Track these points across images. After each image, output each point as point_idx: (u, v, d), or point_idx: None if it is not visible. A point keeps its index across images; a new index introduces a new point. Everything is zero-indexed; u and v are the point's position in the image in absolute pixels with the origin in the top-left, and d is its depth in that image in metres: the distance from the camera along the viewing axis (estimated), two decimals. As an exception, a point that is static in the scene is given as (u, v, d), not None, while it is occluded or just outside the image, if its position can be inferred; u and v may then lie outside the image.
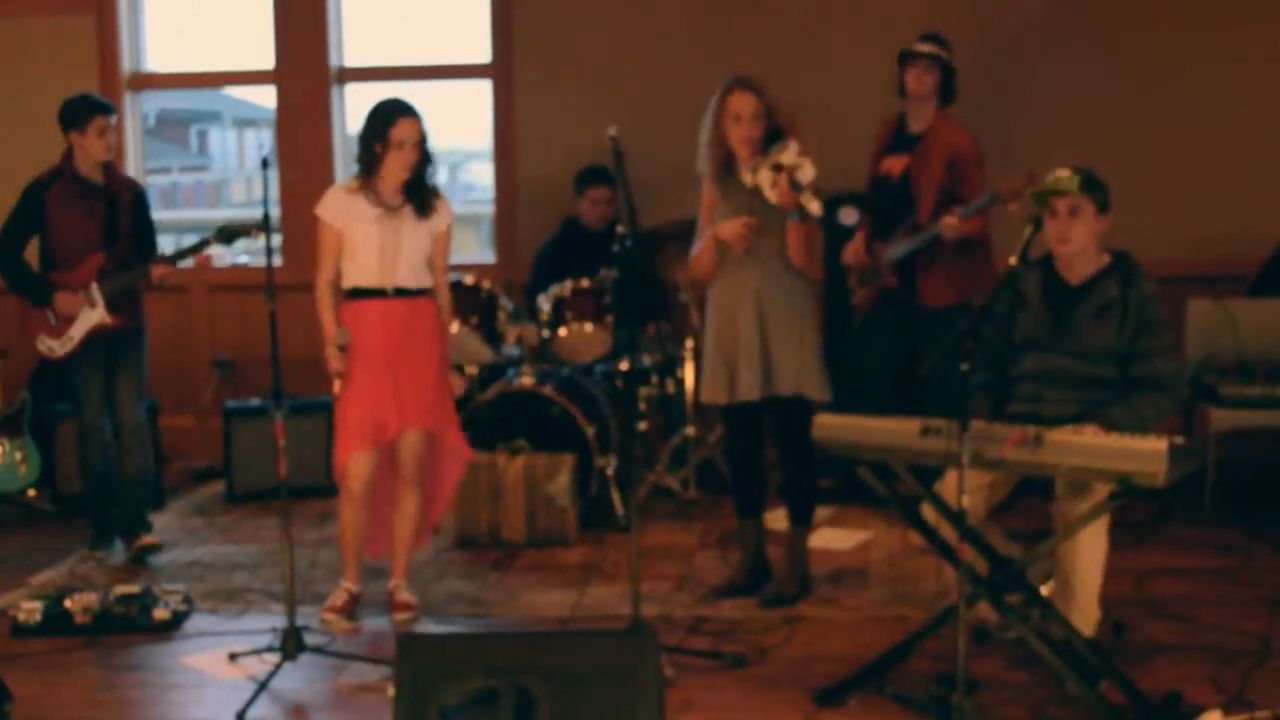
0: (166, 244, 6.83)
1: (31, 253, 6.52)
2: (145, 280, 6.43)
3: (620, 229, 6.13)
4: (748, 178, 5.59)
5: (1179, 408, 4.90)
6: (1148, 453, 4.24)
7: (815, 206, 5.48)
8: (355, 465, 5.64)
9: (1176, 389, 4.86)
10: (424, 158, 5.63)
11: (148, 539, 6.59)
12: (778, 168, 5.48)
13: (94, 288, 6.36)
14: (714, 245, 5.71)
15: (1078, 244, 4.90)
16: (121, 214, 6.48)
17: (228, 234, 6.30)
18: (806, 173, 5.46)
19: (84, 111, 6.40)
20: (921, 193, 6.50)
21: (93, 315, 6.37)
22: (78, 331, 6.38)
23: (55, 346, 6.40)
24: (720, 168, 5.71)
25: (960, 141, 6.46)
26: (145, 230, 6.62)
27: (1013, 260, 4.67)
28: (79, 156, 6.42)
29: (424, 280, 5.69)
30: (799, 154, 5.49)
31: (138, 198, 6.63)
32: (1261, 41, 7.72)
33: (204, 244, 6.41)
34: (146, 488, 6.84)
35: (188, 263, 6.73)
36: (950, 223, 6.19)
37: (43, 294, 6.37)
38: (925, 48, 6.50)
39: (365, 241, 5.58)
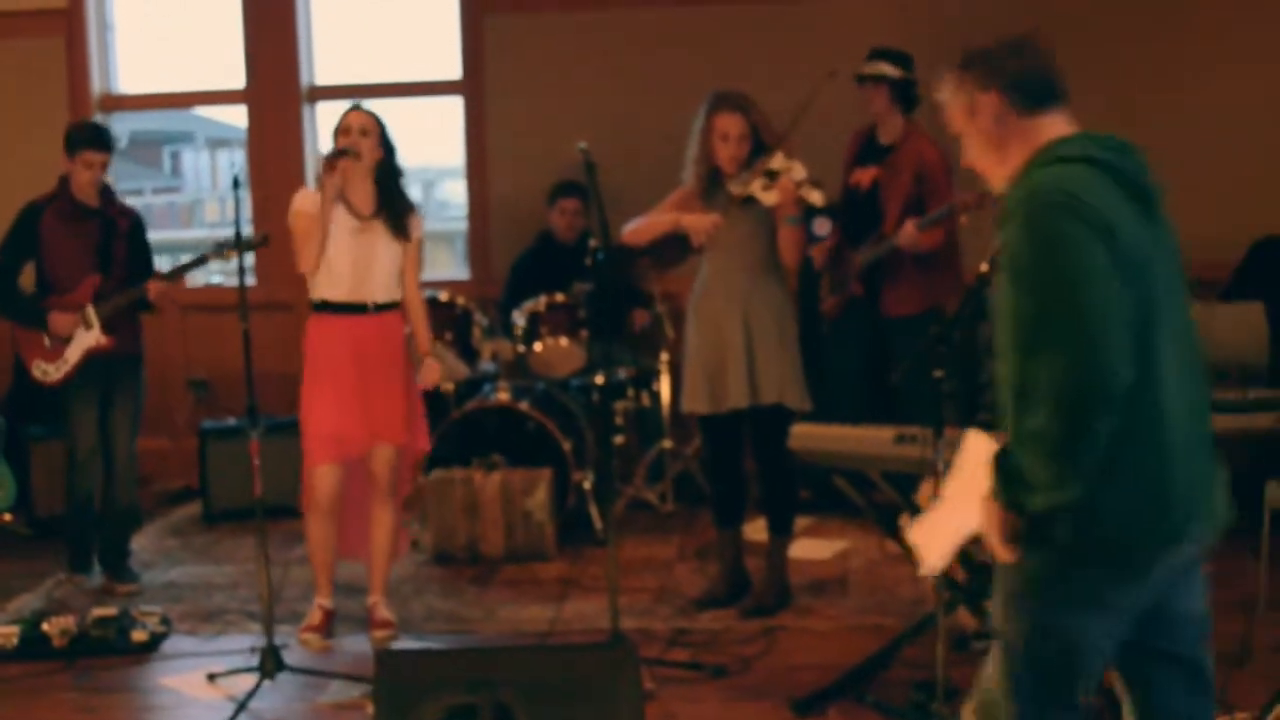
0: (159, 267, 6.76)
1: (29, 279, 6.46)
2: (143, 300, 6.34)
3: (593, 242, 6.15)
4: (737, 189, 5.62)
5: None
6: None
7: (816, 197, 5.54)
8: (320, 478, 5.64)
9: None
10: (390, 167, 5.62)
11: (129, 587, 6.47)
12: (770, 174, 5.53)
13: (89, 309, 6.28)
14: (669, 229, 5.76)
15: None
16: (117, 238, 6.40)
17: (225, 249, 6.23)
18: (799, 172, 5.52)
19: (79, 140, 6.32)
20: (888, 204, 6.52)
21: (88, 337, 6.30)
22: (73, 354, 6.31)
23: (50, 370, 6.33)
24: (705, 182, 5.74)
25: (928, 154, 6.47)
26: (142, 256, 6.51)
27: (984, 267, 4.69)
28: (74, 181, 6.37)
29: (394, 294, 5.69)
30: (787, 158, 5.54)
31: (135, 224, 6.53)
32: (1234, 50, 7.76)
33: (202, 260, 6.31)
34: (135, 521, 6.76)
35: (189, 280, 6.64)
36: (908, 232, 6.21)
37: (36, 316, 6.29)
38: (866, 69, 6.54)
39: (339, 253, 5.57)
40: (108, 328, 6.30)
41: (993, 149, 3.11)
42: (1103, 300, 2.79)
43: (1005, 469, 2.90)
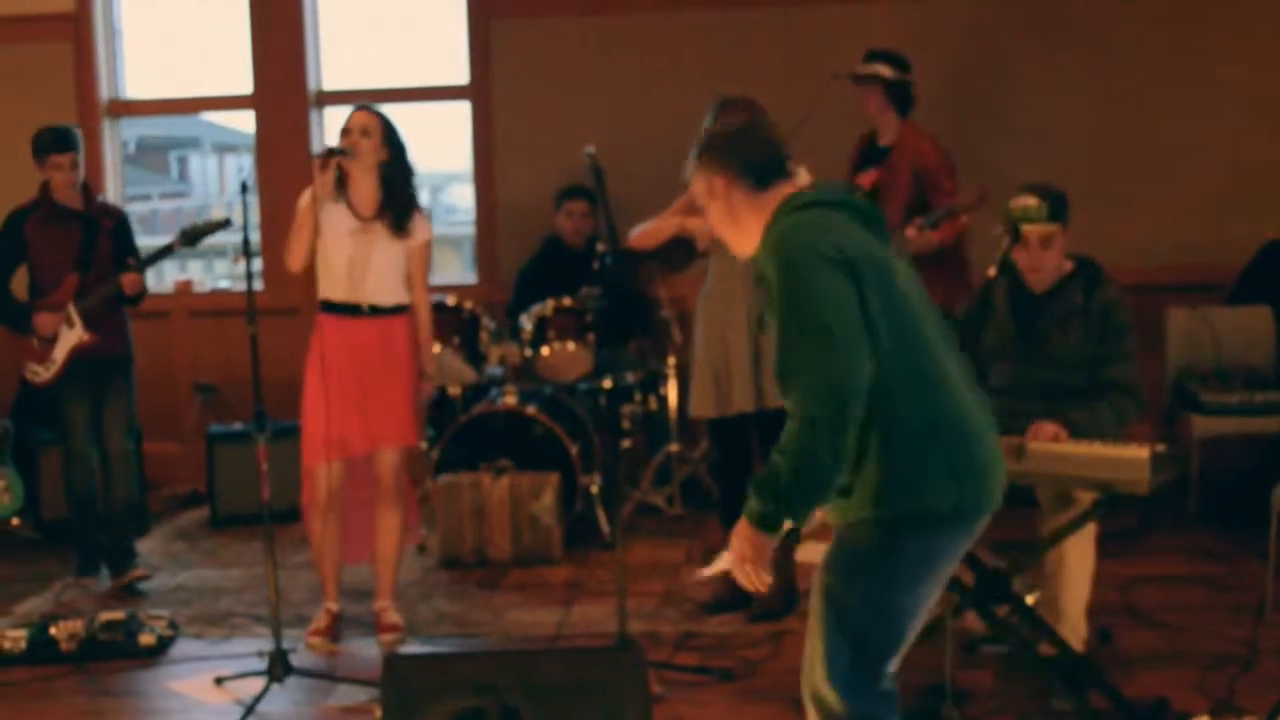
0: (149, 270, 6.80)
1: (22, 286, 6.53)
2: (119, 292, 6.37)
3: (601, 246, 6.15)
4: None
5: (1142, 413, 4.91)
6: (1130, 461, 4.27)
7: None
8: (318, 477, 5.65)
9: (1138, 394, 4.86)
10: (398, 167, 5.62)
11: (136, 572, 6.56)
12: None
13: (70, 307, 6.35)
14: (674, 233, 5.79)
15: (1050, 270, 4.93)
16: (100, 238, 6.47)
17: (191, 235, 6.24)
18: (803, 179, 5.50)
19: (42, 147, 6.42)
20: (890, 205, 6.52)
21: (71, 335, 6.36)
22: (59, 353, 6.38)
23: (40, 371, 6.41)
24: None
25: (926, 152, 6.48)
26: (127, 254, 6.58)
27: (991, 272, 4.70)
28: (52, 185, 6.43)
29: (399, 297, 5.68)
30: (793, 163, 5.53)
31: (119, 223, 6.61)
32: (1238, 53, 7.76)
33: (169, 249, 6.36)
34: (132, 518, 6.80)
35: (167, 285, 6.69)
36: (910, 234, 6.22)
37: (23, 319, 6.38)
38: (860, 69, 6.56)
39: (336, 251, 5.57)
40: (90, 324, 6.36)
41: (731, 221, 3.52)
42: (841, 316, 3.16)
43: (765, 484, 3.21)
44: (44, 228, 6.43)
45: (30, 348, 6.41)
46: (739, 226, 3.51)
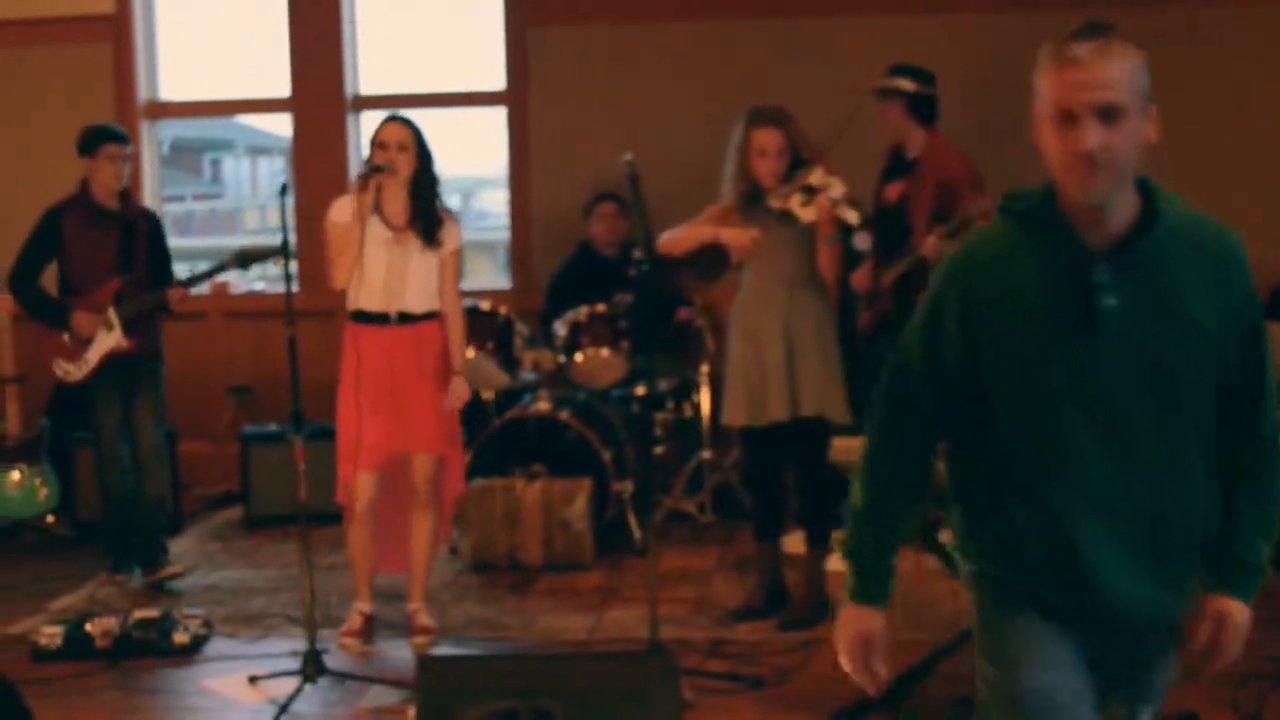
0: (181, 272, 6.87)
1: (50, 281, 6.59)
2: (163, 305, 6.45)
3: (637, 254, 6.15)
4: (775, 203, 5.63)
5: None
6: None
7: (852, 216, 5.54)
8: (358, 485, 5.68)
9: None
10: (426, 178, 5.65)
11: (168, 570, 6.60)
12: (809, 189, 5.54)
13: (110, 311, 6.39)
14: (708, 241, 5.80)
15: None
16: (138, 240, 6.53)
17: (244, 258, 6.35)
18: (837, 189, 5.53)
19: (96, 138, 6.46)
20: (916, 216, 6.54)
21: (109, 338, 6.40)
22: (94, 355, 6.41)
23: (72, 370, 6.44)
24: (745, 197, 5.75)
25: (951, 164, 6.48)
26: (161, 257, 6.67)
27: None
28: (94, 184, 6.48)
29: (431, 304, 5.71)
30: (825, 174, 5.55)
31: (154, 225, 6.69)
32: (1271, 61, 7.73)
33: (221, 268, 6.48)
34: (164, 513, 6.85)
35: (204, 288, 6.76)
36: (931, 244, 6.23)
37: (60, 316, 6.42)
38: (882, 83, 6.57)
39: (373, 263, 5.59)
40: (128, 329, 6.38)
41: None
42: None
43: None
44: (82, 226, 6.47)
45: (61, 345, 6.44)
46: None
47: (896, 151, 6.74)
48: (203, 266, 6.77)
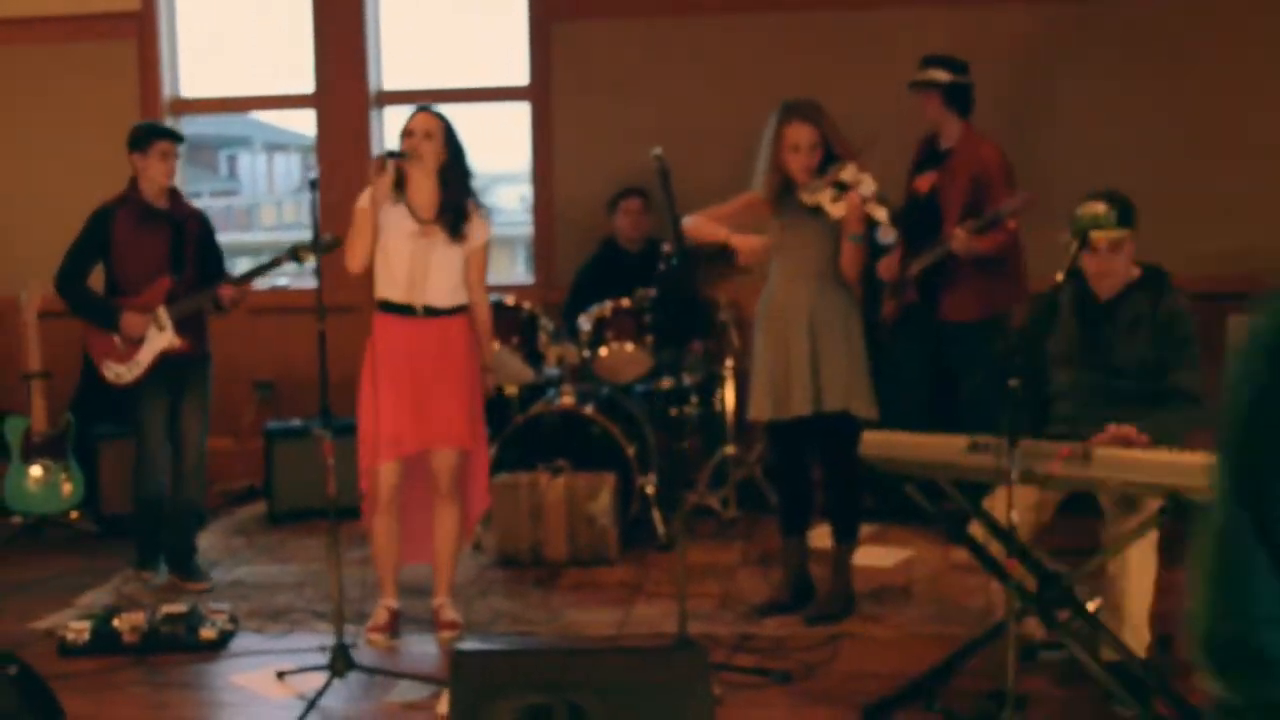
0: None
1: (97, 280, 6.54)
2: (215, 303, 6.40)
3: (666, 247, 6.15)
4: (807, 197, 5.62)
5: (1206, 421, 4.88)
6: (1197, 466, 4.24)
7: (881, 214, 5.53)
8: (380, 476, 5.68)
9: (1203, 402, 4.85)
10: (456, 171, 5.64)
11: (199, 585, 6.51)
12: (840, 185, 5.53)
13: (162, 311, 6.33)
14: (721, 240, 5.82)
15: (1118, 276, 4.92)
16: (187, 239, 6.46)
17: (299, 251, 6.27)
18: (868, 187, 5.52)
19: (149, 134, 6.43)
20: (947, 208, 6.54)
21: (161, 339, 6.34)
22: (146, 356, 6.35)
23: (123, 372, 6.37)
24: (777, 191, 5.74)
25: (986, 156, 6.49)
26: (212, 257, 6.58)
27: (1059, 277, 4.69)
28: (143, 182, 6.41)
29: (458, 298, 5.69)
30: (858, 170, 5.54)
31: (204, 226, 6.59)
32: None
33: (275, 263, 6.37)
34: (197, 519, 6.78)
35: (258, 284, 6.72)
36: (959, 235, 6.22)
37: (109, 317, 6.34)
38: (917, 75, 6.59)
39: (398, 254, 5.59)
40: (180, 329, 6.35)
41: None
42: None
43: None
44: (132, 226, 6.38)
45: (112, 346, 6.37)
46: None
47: (930, 142, 6.75)
48: (252, 262, 6.70)
